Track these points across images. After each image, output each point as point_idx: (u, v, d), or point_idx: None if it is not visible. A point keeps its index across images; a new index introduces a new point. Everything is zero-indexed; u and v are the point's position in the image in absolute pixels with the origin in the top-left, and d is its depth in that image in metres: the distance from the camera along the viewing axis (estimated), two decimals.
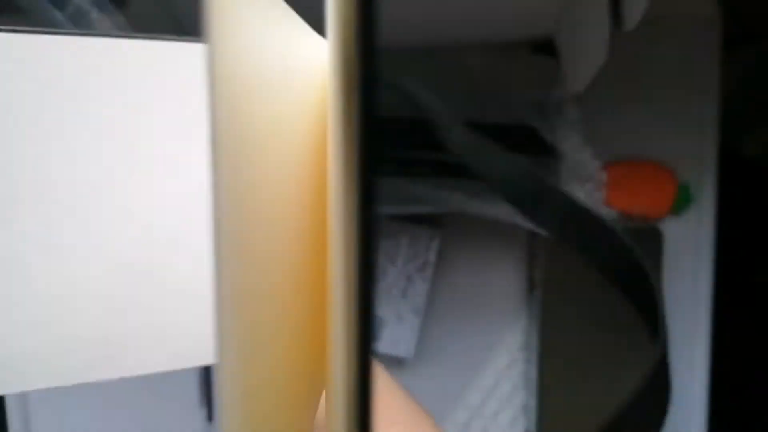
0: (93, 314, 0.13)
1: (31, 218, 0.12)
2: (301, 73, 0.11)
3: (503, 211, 0.33)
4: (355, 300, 0.07)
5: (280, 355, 0.10)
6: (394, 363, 0.37)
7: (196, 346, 0.14)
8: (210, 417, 0.38)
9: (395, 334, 0.36)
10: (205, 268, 0.14)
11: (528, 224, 0.33)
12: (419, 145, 0.34)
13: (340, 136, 0.07)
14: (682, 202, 0.36)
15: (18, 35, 0.12)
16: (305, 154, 0.10)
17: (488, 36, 0.32)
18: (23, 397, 0.38)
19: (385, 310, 0.36)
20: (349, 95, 0.07)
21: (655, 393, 0.29)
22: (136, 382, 0.37)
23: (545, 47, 0.32)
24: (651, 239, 0.34)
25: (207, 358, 0.14)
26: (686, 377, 0.38)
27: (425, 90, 0.31)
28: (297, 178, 0.10)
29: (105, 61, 0.12)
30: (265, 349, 0.09)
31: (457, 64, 0.33)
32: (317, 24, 0.11)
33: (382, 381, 0.15)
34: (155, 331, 0.14)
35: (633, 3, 0.25)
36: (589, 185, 0.32)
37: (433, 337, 0.37)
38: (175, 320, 0.14)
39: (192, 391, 0.37)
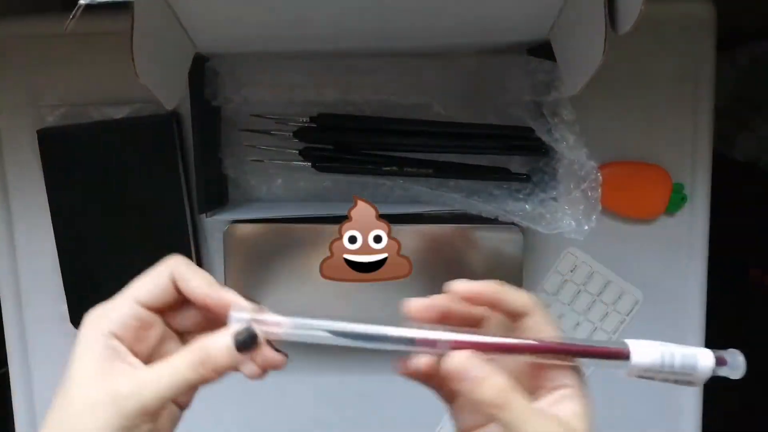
0: None
1: None
2: None
3: (501, 211, 0.33)
4: None
5: None
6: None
7: None
8: None
9: None
10: None
11: (525, 224, 0.33)
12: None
13: None
14: (677, 201, 0.36)
15: None
16: None
17: (487, 40, 0.32)
18: (28, 378, 0.38)
19: None
20: None
21: None
22: None
23: (542, 49, 0.32)
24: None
25: None
26: None
27: None
28: None
29: None
30: None
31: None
32: None
33: None
34: None
35: (628, 6, 0.25)
36: (585, 185, 0.32)
37: None
38: None
39: None
